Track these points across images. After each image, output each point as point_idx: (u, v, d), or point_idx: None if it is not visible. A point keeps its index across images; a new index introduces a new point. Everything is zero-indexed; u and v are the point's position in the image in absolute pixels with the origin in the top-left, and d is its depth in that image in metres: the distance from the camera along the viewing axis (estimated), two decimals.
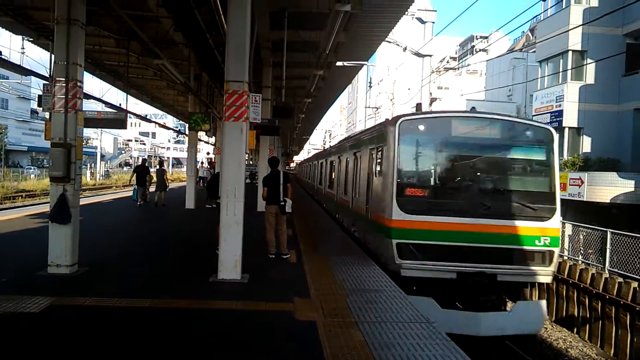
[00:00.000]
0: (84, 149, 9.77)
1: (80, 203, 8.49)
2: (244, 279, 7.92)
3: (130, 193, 23.99)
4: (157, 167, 21.61)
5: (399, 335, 5.46)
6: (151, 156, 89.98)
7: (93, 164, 57.89)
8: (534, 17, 19.61)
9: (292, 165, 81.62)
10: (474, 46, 46.07)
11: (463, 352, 5.04)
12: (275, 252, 9.99)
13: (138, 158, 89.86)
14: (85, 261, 8.38)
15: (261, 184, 11.55)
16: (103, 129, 47.27)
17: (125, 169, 76.28)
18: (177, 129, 39.21)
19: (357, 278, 8.24)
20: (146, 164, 22.03)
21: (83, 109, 8.32)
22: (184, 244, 11.45)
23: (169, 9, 12.95)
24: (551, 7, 25.98)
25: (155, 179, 20.39)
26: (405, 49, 55.74)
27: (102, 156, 64.47)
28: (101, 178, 53.20)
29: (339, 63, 19.41)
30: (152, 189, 21.25)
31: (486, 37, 44.94)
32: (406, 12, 14.79)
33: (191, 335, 5.37)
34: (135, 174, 20.63)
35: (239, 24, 7.85)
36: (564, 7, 24.37)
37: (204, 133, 25.31)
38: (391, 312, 6.37)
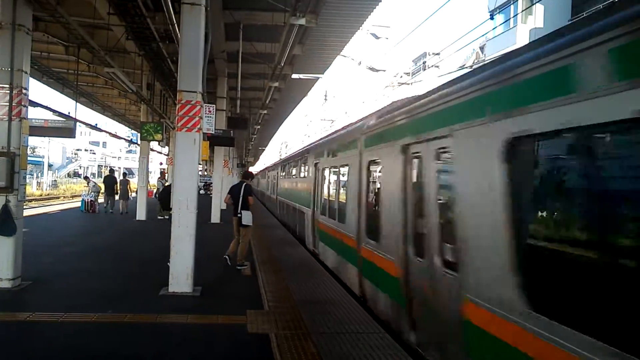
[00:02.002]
0: (30, 158, 9.42)
1: (25, 214, 8.17)
2: (196, 292, 7.80)
3: (79, 204, 23.31)
4: (122, 177, 23.17)
5: (352, 346, 5.47)
6: (101, 166, 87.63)
7: (40, 174, 55.85)
8: (484, 35, 20.33)
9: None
10: (425, 62, 47.15)
11: None
12: (232, 261, 10.08)
13: (88, 168, 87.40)
14: (29, 275, 8.05)
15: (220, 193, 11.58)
16: (50, 138, 45.75)
17: (75, 179, 73.76)
18: (129, 139, 38.27)
19: (312, 290, 8.24)
20: (114, 174, 23.93)
21: (28, 117, 8.04)
22: (134, 257, 11.15)
23: (120, 17, 12.72)
24: (500, 24, 26.97)
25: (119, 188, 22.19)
26: (360, 63, 56.48)
27: (50, 165, 62.29)
28: (48, 188, 51.27)
29: (294, 75, 19.50)
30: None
31: (438, 54, 46.13)
32: (360, 28, 15.01)
33: (138, 351, 5.23)
34: (105, 184, 22.56)
35: (192, 34, 7.80)
36: (511, 26, 25.37)
37: (157, 143, 24.89)
38: (346, 323, 6.39)
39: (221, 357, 5.18)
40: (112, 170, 25.50)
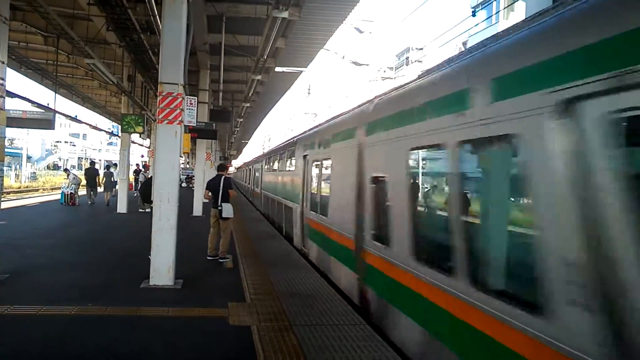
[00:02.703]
0: (8, 150, 9.26)
1: (3, 207, 8.05)
2: (178, 284, 7.78)
3: (59, 197, 23.02)
4: (105, 170, 23.61)
5: (333, 338, 5.52)
6: (81, 158, 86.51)
7: (18, 166, 54.98)
8: (466, 31, 20.48)
9: (231, 169, 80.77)
10: (408, 57, 47.31)
11: (394, 353, 5.17)
12: (214, 255, 10.08)
13: (67, 160, 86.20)
14: (7, 268, 7.95)
15: (202, 187, 11.49)
16: (29, 129, 45.03)
17: (55, 172, 72.72)
18: (110, 131, 37.71)
19: (294, 282, 8.27)
20: (96, 167, 24.48)
21: (6, 108, 7.91)
22: (115, 250, 11.06)
23: (100, 7, 12.55)
24: (482, 21, 27.19)
25: (103, 180, 22.81)
26: (343, 57, 56.49)
27: (29, 157, 61.34)
28: (27, 181, 50.50)
29: (277, 69, 19.45)
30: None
31: (421, 49, 46.33)
32: (344, 21, 15.02)
33: (118, 343, 5.21)
34: (86, 176, 23.07)
35: (174, 25, 7.73)
36: (493, 22, 25.60)
37: (138, 135, 24.66)
38: (327, 315, 6.43)
39: (202, 350, 5.18)
40: (92, 163, 25.80)
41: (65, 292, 7.15)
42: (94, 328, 5.69)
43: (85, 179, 23.24)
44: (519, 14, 25.10)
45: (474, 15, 13.06)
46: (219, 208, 9.87)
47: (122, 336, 5.45)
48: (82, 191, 23.93)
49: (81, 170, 59.48)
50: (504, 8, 24.99)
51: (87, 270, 8.75)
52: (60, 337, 5.33)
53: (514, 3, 24.61)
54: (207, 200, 10.28)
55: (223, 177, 10.13)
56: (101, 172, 30.34)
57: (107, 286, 7.66)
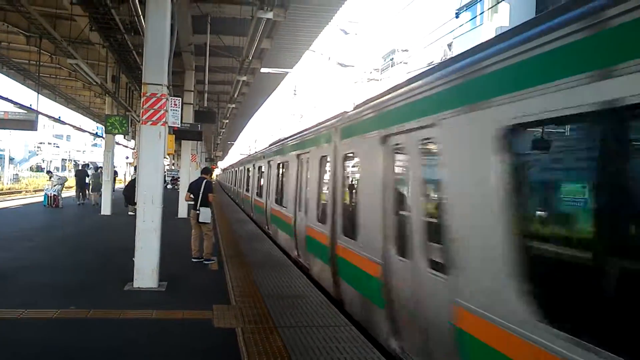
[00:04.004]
0: None
1: None
2: (162, 287, 7.72)
3: (41, 199, 22.75)
4: (94, 171, 24.13)
5: (318, 339, 5.51)
6: (65, 160, 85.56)
7: (0, 168, 54.22)
8: (450, 32, 20.62)
9: (216, 171, 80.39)
10: (392, 59, 47.50)
11: (379, 354, 5.17)
12: (199, 257, 10.04)
13: (51, 161, 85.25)
14: None
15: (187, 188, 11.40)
16: (11, 130, 44.39)
17: (38, 174, 71.78)
18: (94, 132, 37.27)
19: (280, 284, 8.24)
20: (85, 169, 25.08)
21: None
22: (98, 252, 10.94)
23: (84, 7, 12.41)
24: (467, 22, 27.39)
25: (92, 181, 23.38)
26: (329, 58, 56.60)
27: (11, 159, 60.53)
28: (9, 182, 49.81)
29: (263, 70, 19.40)
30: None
31: (406, 50, 46.56)
32: (329, 23, 15.03)
33: (101, 346, 5.16)
34: (76, 178, 24.25)
35: (158, 25, 7.68)
36: (477, 24, 25.80)
37: (123, 137, 24.46)
38: (312, 316, 6.42)
39: (187, 352, 5.15)
40: (84, 165, 27.21)
41: (47, 295, 7.07)
42: (76, 331, 5.63)
43: (75, 181, 24.33)
44: (502, 15, 25.33)
45: (457, 17, 13.13)
46: (197, 212, 9.86)
47: (105, 339, 5.39)
48: (66, 193, 23.75)
49: (65, 172, 58.85)
50: (488, 9, 25.17)
51: (70, 273, 8.65)
52: (42, 341, 5.27)
53: (497, 4, 24.82)
54: (191, 202, 10.24)
55: (205, 180, 10.09)
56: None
57: (90, 289, 7.58)
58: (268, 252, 11.60)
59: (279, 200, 13.79)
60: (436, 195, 4.60)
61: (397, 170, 5.69)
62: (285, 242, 12.54)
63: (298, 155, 11.39)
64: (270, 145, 19.26)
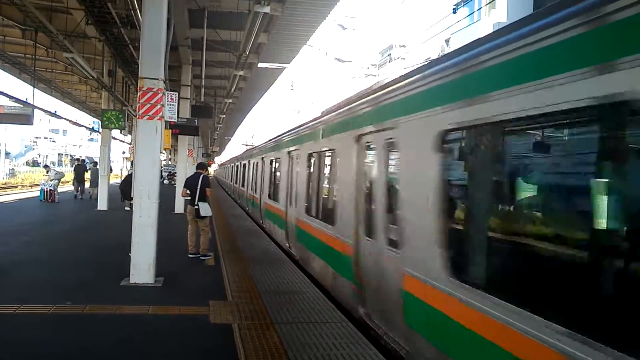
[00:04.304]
0: None
1: None
2: (158, 282, 7.69)
3: (37, 193, 22.67)
4: (92, 166, 24.56)
5: (315, 336, 5.49)
6: (62, 154, 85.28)
7: None
8: (448, 28, 20.55)
9: (214, 166, 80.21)
10: (390, 54, 47.42)
11: (376, 350, 5.16)
12: (195, 253, 10.00)
13: (47, 156, 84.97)
14: None
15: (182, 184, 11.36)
16: (7, 125, 44.21)
17: (34, 169, 71.53)
18: (91, 127, 37.07)
19: (276, 280, 8.23)
20: (84, 164, 26.30)
21: None
22: (94, 247, 10.90)
23: (80, 0, 12.32)
24: (465, 17, 27.31)
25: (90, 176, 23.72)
26: (327, 53, 56.50)
27: (7, 154, 60.33)
28: (5, 177, 49.62)
29: (260, 64, 19.33)
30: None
31: (404, 46, 46.49)
32: (327, 17, 14.98)
33: (97, 343, 5.13)
34: (75, 172, 24.99)
35: (154, 19, 7.62)
36: (475, 20, 25.73)
37: (119, 131, 24.37)
38: (309, 313, 6.41)
39: (183, 348, 5.12)
40: (82, 160, 27.92)
41: (43, 291, 7.03)
42: (72, 326, 5.60)
43: (74, 175, 25.04)
44: (500, 11, 25.26)
45: (454, 12, 13.09)
46: (196, 207, 9.80)
47: (101, 335, 5.37)
48: (62, 187, 23.70)
49: (61, 166, 58.63)
50: (486, 4, 25.10)
51: (66, 268, 8.62)
52: (38, 336, 5.23)
53: (494, 0, 24.78)
54: (188, 198, 10.19)
55: (202, 175, 10.05)
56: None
57: (86, 284, 7.54)
58: (265, 247, 11.59)
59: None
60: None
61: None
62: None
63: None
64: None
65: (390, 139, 5.64)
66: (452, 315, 4.09)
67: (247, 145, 63.20)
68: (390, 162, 5.80)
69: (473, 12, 26.06)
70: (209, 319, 6.04)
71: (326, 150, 8.57)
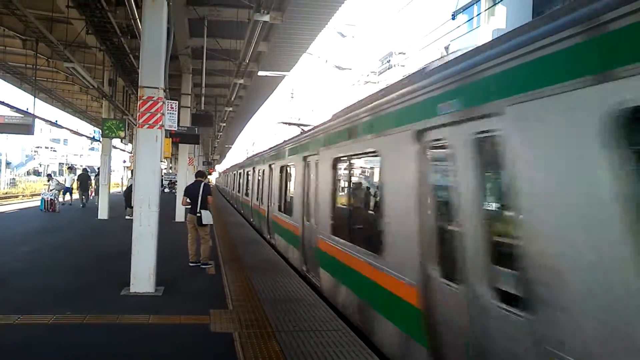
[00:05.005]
0: None
1: None
2: (159, 291, 7.67)
3: (38, 203, 22.68)
4: (96, 175, 25.25)
5: (316, 344, 5.47)
6: (62, 164, 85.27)
7: None
8: (446, 34, 20.62)
9: (214, 174, 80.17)
10: (389, 61, 47.56)
11: (378, 358, 5.13)
12: (196, 261, 9.97)
13: (48, 166, 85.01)
14: None
15: (182, 192, 11.33)
16: (8, 135, 44.31)
17: (35, 178, 71.57)
18: (91, 136, 37.16)
19: (277, 288, 8.20)
20: (88, 173, 26.90)
21: None
22: (95, 257, 10.87)
23: (80, 10, 12.37)
24: (464, 23, 27.40)
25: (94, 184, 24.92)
26: (326, 61, 56.69)
27: (8, 163, 60.38)
28: (6, 187, 49.64)
29: (260, 73, 19.38)
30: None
31: (404, 53, 46.65)
32: (326, 26, 15.02)
33: (98, 353, 5.11)
34: (79, 181, 25.67)
35: (154, 29, 7.65)
36: (474, 27, 25.82)
37: (120, 140, 24.40)
38: (310, 321, 6.39)
39: (184, 358, 5.10)
40: (86, 169, 28.32)
41: (43, 301, 7.00)
42: (72, 336, 5.58)
43: (78, 183, 25.67)
44: (499, 18, 25.33)
45: (453, 18, 13.12)
46: (198, 215, 9.78)
47: (102, 345, 5.34)
48: (63, 197, 23.83)
49: (62, 176, 58.59)
50: (485, 10, 25.18)
51: (66, 278, 8.59)
52: (38, 347, 5.21)
53: (494, 6, 24.84)
54: (188, 206, 10.16)
55: (203, 183, 10.04)
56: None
57: (86, 294, 7.52)
58: (266, 255, 11.56)
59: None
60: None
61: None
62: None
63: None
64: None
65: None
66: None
67: (248, 151, 63.23)
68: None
69: (472, 18, 26.14)
70: (209, 327, 6.02)
71: (361, 154, 6.72)
